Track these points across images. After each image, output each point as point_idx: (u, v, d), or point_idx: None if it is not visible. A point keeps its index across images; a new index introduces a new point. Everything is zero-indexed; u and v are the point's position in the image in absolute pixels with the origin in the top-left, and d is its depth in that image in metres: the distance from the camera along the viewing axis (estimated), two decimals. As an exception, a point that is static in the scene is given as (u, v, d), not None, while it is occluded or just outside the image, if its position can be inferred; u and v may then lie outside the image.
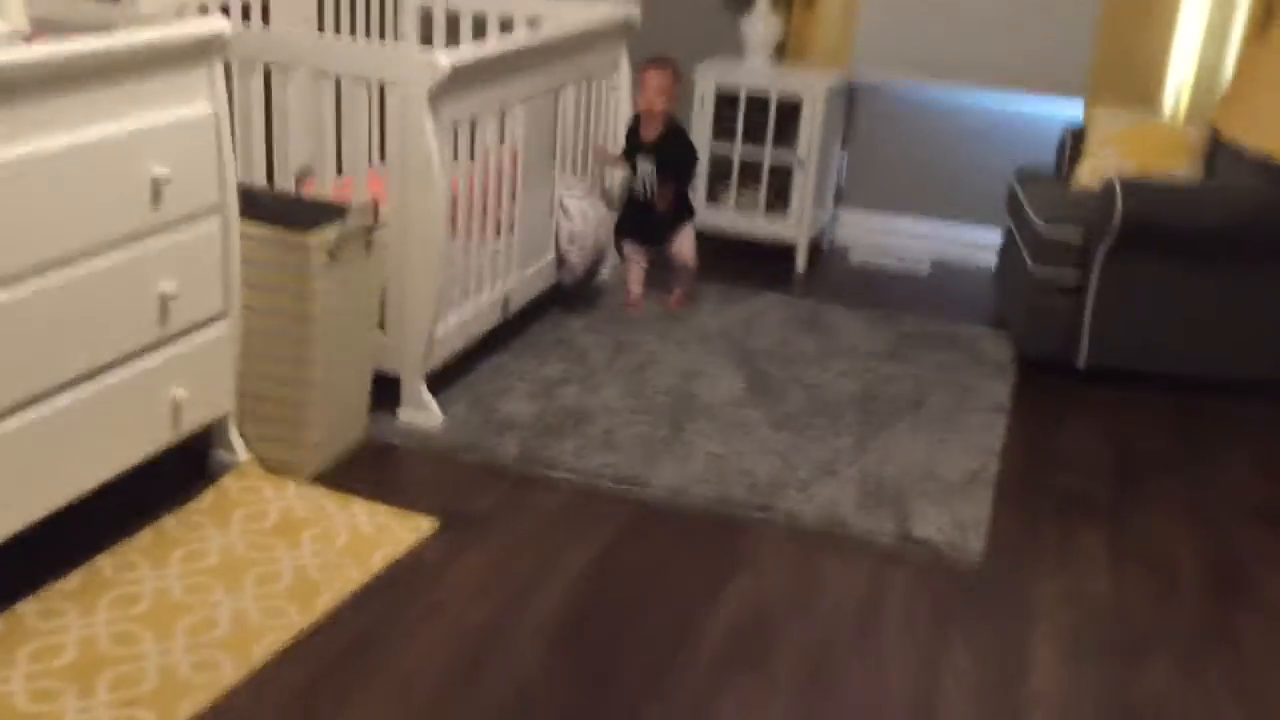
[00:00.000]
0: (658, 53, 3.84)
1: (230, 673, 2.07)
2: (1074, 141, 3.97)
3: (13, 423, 2.07)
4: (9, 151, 1.97)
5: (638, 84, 3.78)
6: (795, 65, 4.43)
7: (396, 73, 2.72)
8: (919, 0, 4.39)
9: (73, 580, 2.26)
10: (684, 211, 3.87)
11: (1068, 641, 2.35)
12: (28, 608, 2.17)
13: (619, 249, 3.91)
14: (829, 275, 4.38)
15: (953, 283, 4.36)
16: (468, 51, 2.80)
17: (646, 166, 3.79)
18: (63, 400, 2.16)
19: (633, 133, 3.84)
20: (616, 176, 3.88)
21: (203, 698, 2.00)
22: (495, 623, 2.28)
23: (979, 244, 4.49)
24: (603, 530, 2.62)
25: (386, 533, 2.52)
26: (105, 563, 2.32)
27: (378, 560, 2.42)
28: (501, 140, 3.26)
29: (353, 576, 2.37)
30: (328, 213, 2.60)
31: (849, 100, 4.54)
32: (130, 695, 1.99)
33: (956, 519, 2.73)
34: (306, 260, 2.51)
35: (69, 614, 2.17)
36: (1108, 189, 3.32)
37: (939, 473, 2.93)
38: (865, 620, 2.37)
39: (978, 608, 2.45)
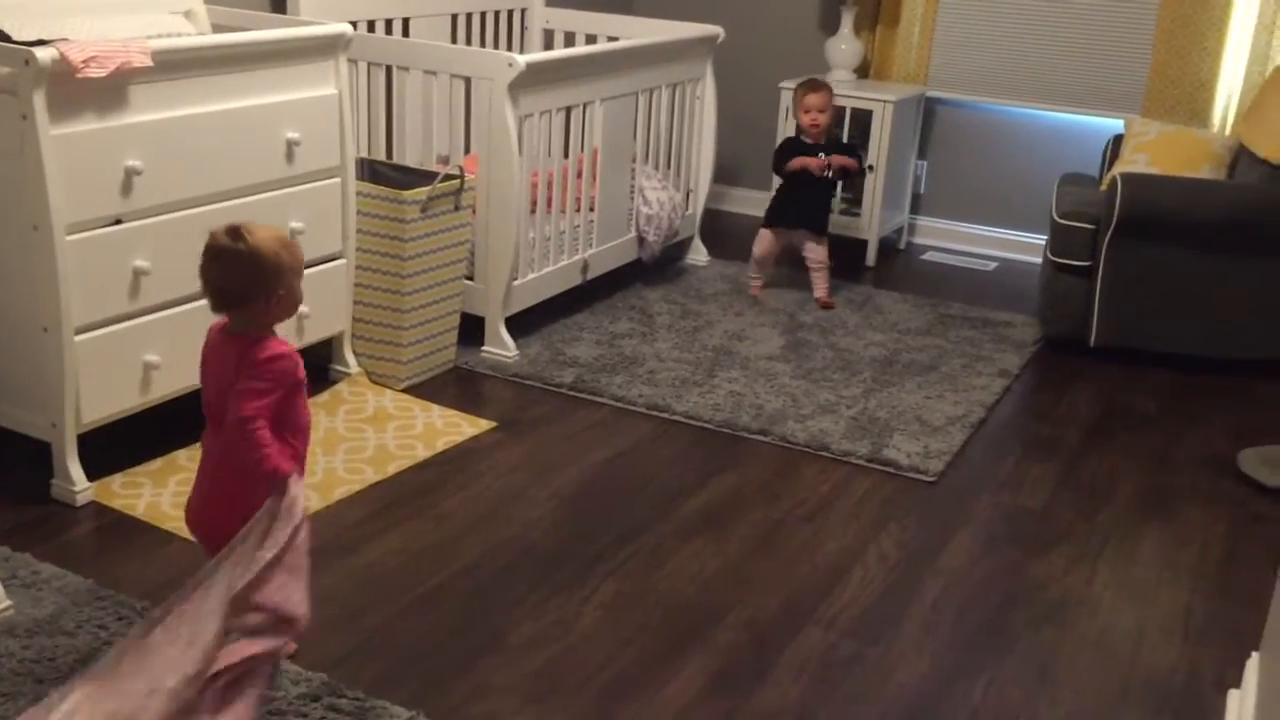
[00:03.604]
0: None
1: (314, 504, 2.78)
2: (1115, 149, 4.36)
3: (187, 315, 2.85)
4: (183, 111, 2.75)
5: (798, 107, 4.22)
6: (875, 84, 4.96)
7: (484, 70, 3.43)
8: (991, 26, 4.86)
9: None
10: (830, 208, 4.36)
11: (984, 537, 2.82)
12: (180, 453, 2.95)
13: (766, 231, 4.31)
14: (896, 269, 4.87)
15: (1013, 280, 4.77)
16: (541, 55, 3.49)
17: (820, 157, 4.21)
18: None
19: (793, 150, 4.23)
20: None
21: (291, 516, 2.72)
22: (520, 488, 2.92)
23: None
24: (625, 438, 3.23)
25: (453, 428, 3.20)
26: (239, 431, 3.08)
27: (441, 444, 3.11)
28: (583, 137, 3.92)
29: (419, 453, 3.05)
30: (422, 178, 3.33)
31: (926, 116, 5.03)
32: (241, 510, 2.72)
33: (926, 449, 3.21)
34: (401, 212, 3.24)
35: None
36: (1112, 182, 3.73)
37: (926, 417, 3.41)
38: (819, 510, 2.90)
39: (919, 509, 2.94)
